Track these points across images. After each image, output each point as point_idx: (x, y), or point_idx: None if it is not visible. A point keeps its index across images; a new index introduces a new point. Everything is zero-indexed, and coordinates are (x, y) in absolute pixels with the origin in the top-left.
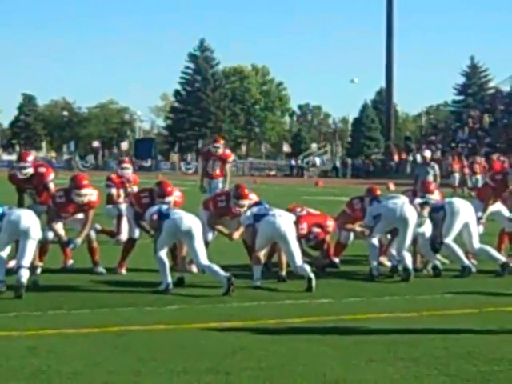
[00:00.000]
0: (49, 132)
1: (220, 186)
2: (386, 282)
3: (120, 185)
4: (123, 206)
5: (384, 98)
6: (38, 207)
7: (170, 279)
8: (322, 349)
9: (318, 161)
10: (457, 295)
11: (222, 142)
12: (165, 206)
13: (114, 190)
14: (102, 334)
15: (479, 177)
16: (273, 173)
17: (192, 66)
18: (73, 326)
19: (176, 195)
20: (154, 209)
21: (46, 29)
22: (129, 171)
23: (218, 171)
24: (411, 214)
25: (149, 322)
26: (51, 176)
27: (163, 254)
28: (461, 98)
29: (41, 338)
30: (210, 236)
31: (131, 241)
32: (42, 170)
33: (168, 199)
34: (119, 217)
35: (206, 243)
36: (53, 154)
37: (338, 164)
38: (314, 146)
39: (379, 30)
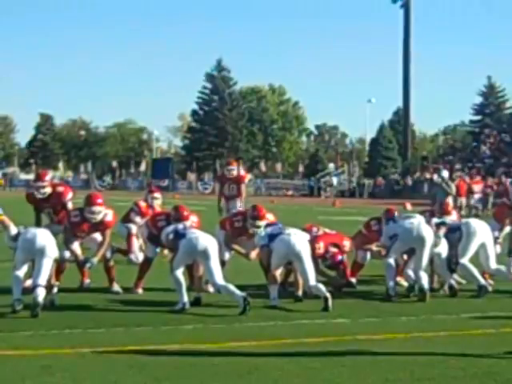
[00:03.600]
0: (66, 151)
1: (238, 205)
2: (403, 302)
3: (147, 215)
4: (133, 226)
5: (401, 118)
6: (55, 227)
7: (186, 299)
8: (338, 369)
9: (335, 181)
10: (473, 315)
11: (235, 164)
12: (181, 226)
13: (138, 219)
14: (118, 353)
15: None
16: (290, 193)
17: (209, 85)
18: (88, 345)
19: (192, 220)
20: (170, 228)
21: (63, 48)
22: (159, 201)
23: (234, 192)
24: (428, 233)
25: (164, 342)
26: (69, 195)
27: (179, 273)
28: (478, 117)
29: (56, 357)
30: (227, 256)
31: (147, 260)
32: (60, 189)
33: (184, 223)
34: (129, 236)
35: (223, 263)
36: (69, 173)
37: (355, 184)
38: (331, 165)
39: (396, 49)
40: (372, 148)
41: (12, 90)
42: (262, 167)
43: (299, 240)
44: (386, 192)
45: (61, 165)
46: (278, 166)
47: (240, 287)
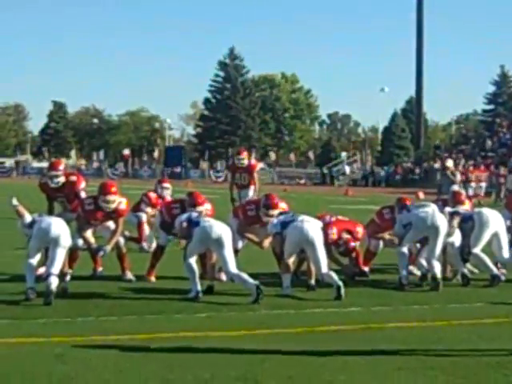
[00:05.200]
0: (78, 139)
1: (250, 194)
2: (415, 291)
3: (157, 205)
4: (143, 214)
5: (414, 107)
6: (68, 215)
7: (199, 287)
8: (351, 357)
9: (347, 169)
10: (486, 305)
11: (245, 153)
12: (195, 214)
13: (149, 209)
14: (131, 341)
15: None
16: (302, 181)
17: (222, 74)
18: (101, 333)
19: (206, 208)
20: (184, 216)
21: (75, 36)
22: (169, 191)
23: (246, 181)
24: (442, 222)
25: (177, 330)
26: (82, 184)
27: (193, 261)
28: (491, 107)
29: (69, 344)
30: (240, 244)
31: (160, 248)
32: (73, 178)
33: (199, 209)
34: (140, 224)
35: (236, 251)
36: (82, 161)
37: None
38: (343, 154)
39: (409, 38)
40: (385, 137)
41: (25, 78)
42: (272, 156)
43: (312, 227)
44: (399, 181)
45: (73, 153)
46: (292, 156)
47: (252, 276)
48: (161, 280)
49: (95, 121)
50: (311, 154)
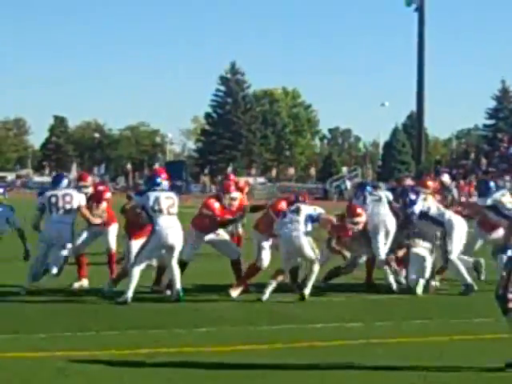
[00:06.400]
0: (80, 154)
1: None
2: (416, 306)
3: None
4: None
5: (415, 122)
6: (94, 228)
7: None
8: (352, 373)
9: (348, 184)
10: (488, 319)
11: (233, 178)
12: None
13: None
14: (132, 355)
15: None
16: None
17: (223, 88)
18: (102, 348)
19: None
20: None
21: (77, 51)
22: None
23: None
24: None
25: (178, 344)
26: (108, 194)
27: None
28: (492, 122)
29: (70, 359)
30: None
31: (183, 264)
32: (101, 188)
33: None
34: None
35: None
36: None
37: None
38: (344, 169)
39: (410, 53)
40: (386, 152)
41: (26, 92)
42: (273, 172)
43: None
44: None
45: (74, 167)
46: (291, 170)
47: (257, 286)
48: (162, 294)
49: (96, 135)
50: (313, 171)
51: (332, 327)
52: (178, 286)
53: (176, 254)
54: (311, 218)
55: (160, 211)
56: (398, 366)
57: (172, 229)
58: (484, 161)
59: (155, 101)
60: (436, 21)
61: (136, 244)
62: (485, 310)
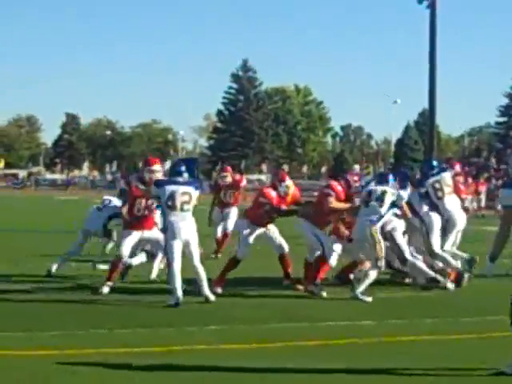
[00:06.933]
0: (92, 151)
1: (233, 215)
2: (427, 304)
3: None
4: None
5: (427, 119)
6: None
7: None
8: (363, 373)
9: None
10: (498, 318)
11: (229, 169)
12: None
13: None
14: (143, 354)
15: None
16: (315, 194)
17: (235, 86)
18: (113, 346)
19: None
20: None
21: (88, 49)
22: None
23: (231, 199)
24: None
25: (189, 343)
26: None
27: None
28: (504, 119)
29: (81, 357)
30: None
31: (236, 261)
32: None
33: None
34: None
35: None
36: (95, 173)
37: None
38: (356, 166)
39: (422, 50)
40: (398, 149)
41: (38, 90)
42: (285, 168)
43: None
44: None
45: (86, 165)
46: (304, 168)
47: (268, 283)
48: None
49: (108, 132)
50: (324, 169)
51: (344, 325)
52: (205, 290)
53: (195, 252)
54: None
55: (174, 207)
56: (409, 364)
57: (183, 222)
58: (493, 160)
59: (167, 98)
60: (448, 18)
61: (128, 233)
62: (496, 308)
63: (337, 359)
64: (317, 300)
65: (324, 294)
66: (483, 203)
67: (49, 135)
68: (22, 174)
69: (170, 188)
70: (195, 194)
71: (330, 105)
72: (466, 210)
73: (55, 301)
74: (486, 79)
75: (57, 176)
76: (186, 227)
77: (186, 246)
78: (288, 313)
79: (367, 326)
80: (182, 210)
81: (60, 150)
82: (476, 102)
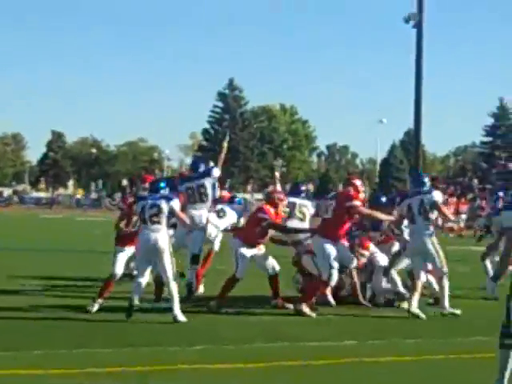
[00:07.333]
0: (77, 169)
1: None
2: (409, 324)
3: None
4: None
5: (412, 139)
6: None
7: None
8: None
9: None
10: (485, 338)
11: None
12: None
13: None
14: (126, 373)
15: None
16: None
17: (221, 104)
18: (97, 365)
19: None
20: None
21: (75, 66)
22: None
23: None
24: None
25: (173, 362)
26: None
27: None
28: (489, 139)
29: (65, 377)
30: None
31: (235, 280)
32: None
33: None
34: None
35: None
36: (80, 191)
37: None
38: (341, 186)
39: (408, 70)
40: (383, 168)
41: (23, 108)
42: (270, 189)
43: None
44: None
45: (71, 183)
46: (288, 186)
47: (254, 302)
48: (157, 311)
49: (94, 151)
50: (311, 186)
51: (326, 345)
52: (175, 309)
53: (168, 266)
54: None
55: (143, 221)
56: None
57: (153, 232)
58: (476, 180)
59: (153, 117)
60: (434, 38)
61: (120, 250)
62: (479, 329)
63: (319, 380)
64: (303, 319)
65: (313, 314)
66: (462, 224)
67: (34, 153)
68: (7, 191)
69: (142, 202)
70: (166, 207)
71: (315, 124)
72: (450, 229)
73: (39, 319)
74: (471, 99)
75: (42, 194)
76: (154, 235)
77: (156, 257)
78: (273, 332)
79: (349, 347)
80: (151, 222)
81: (45, 168)
82: (462, 121)
